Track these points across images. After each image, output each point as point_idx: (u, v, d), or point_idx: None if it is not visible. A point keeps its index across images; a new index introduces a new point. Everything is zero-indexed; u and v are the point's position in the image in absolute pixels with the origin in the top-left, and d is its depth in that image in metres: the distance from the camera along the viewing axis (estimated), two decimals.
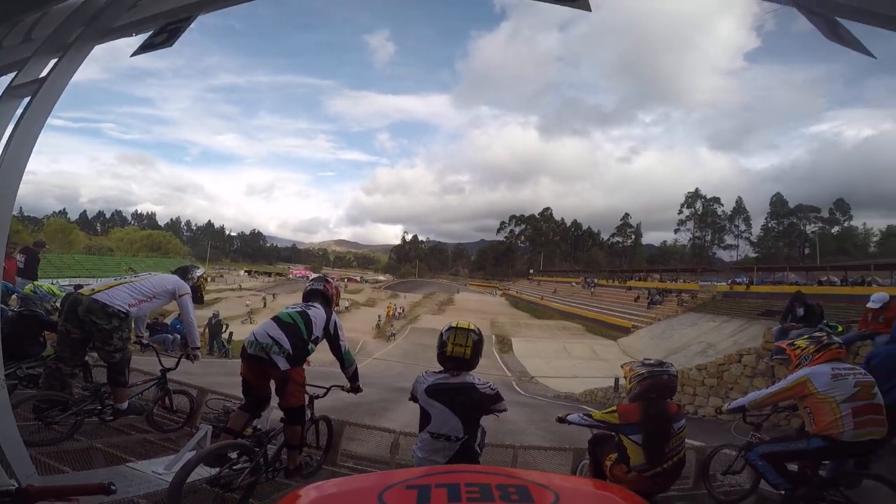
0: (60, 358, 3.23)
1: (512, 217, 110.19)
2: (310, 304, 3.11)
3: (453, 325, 2.58)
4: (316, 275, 4.29)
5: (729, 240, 79.39)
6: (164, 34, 2.14)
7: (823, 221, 69.62)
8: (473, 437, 2.45)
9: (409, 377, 2.75)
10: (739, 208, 78.95)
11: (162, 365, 3.98)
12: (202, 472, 2.44)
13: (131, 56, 2.20)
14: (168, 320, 10.64)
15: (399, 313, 41.41)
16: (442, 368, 2.53)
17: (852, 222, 68.53)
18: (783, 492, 2.88)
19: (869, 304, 5.94)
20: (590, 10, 1.93)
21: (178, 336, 9.13)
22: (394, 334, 32.30)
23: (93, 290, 3.29)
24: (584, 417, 2.91)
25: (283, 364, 2.70)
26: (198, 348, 3.88)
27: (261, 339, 2.74)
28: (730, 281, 36.53)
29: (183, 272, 3.88)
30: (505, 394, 2.93)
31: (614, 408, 2.79)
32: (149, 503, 2.27)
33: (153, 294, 3.50)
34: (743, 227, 78.38)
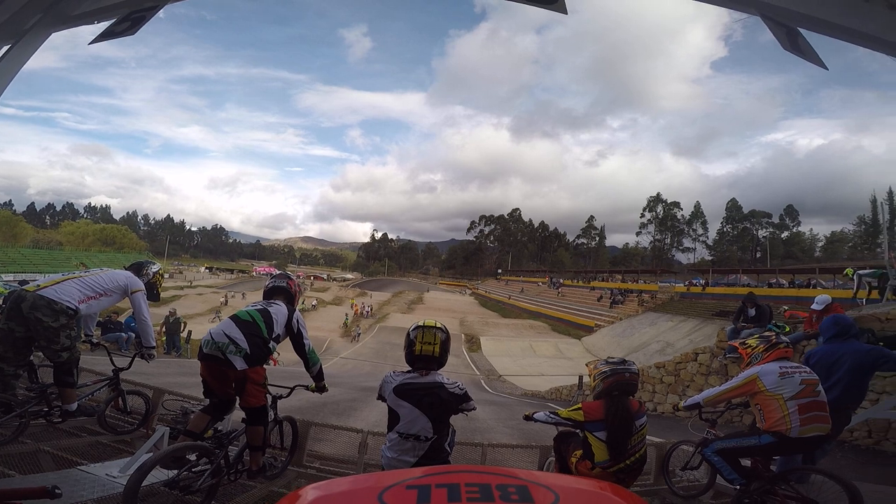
0: (3, 358, 3.00)
1: (482, 217, 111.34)
2: (271, 301, 3.04)
3: (421, 323, 2.56)
4: (278, 272, 4.17)
5: (687, 243, 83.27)
6: (127, 22, 2.06)
7: (774, 227, 74.14)
8: (443, 436, 2.44)
9: (377, 376, 2.72)
10: (697, 213, 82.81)
11: (114, 365, 3.78)
12: (159, 474, 2.33)
13: (90, 44, 2.10)
14: (122, 318, 10.10)
15: (367, 312, 40.99)
16: (410, 368, 2.52)
17: (800, 228, 73.60)
18: (738, 487, 2.99)
19: (813, 306, 6.33)
20: (566, 13, 1.98)
21: (133, 335, 8.71)
22: (359, 334, 31.39)
23: (38, 285, 3.08)
24: (551, 415, 2.97)
25: (240, 364, 2.61)
26: (153, 347, 3.69)
27: (217, 338, 2.64)
28: (687, 282, 38.21)
29: (137, 268, 3.69)
30: (474, 392, 2.96)
31: (580, 405, 2.85)
32: None
33: (104, 290, 3.30)
34: (700, 231, 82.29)
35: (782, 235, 73.10)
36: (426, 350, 2.47)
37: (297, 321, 3.00)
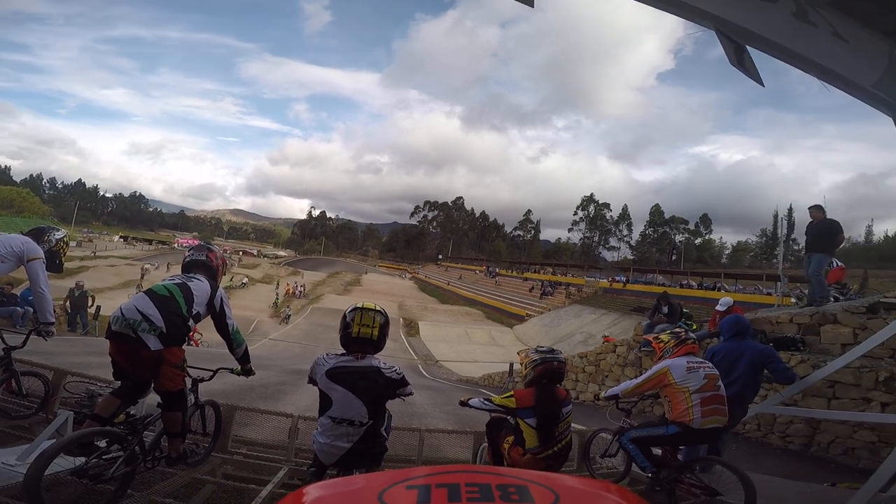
0: None
1: (426, 202, 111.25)
2: (191, 276, 2.80)
3: (358, 305, 2.50)
4: (197, 243, 3.78)
5: (613, 242, 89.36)
6: None
7: (690, 232, 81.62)
8: (379, 421, 2.44)
9: (308, 359, 2.65)
10: (625, 215, 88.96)
11: (5, 342, 3.34)
12: (64, 462, 2.12)
13: None
14: (18, 291, 8.89)
15: (300, 292, 39.55)
16: (344, 351, 2.46)
17: (712, 235, 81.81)
18: (649, 475, 3.18)
19: (717, 307, 7.07)
20: (532, 6, 2.02)
21: (30, 309, 7.71)
22: (288, 316, 30.07)
23: None
24: (485, 402, 3.06)
25: (153, 343, 2.40)
26: (51, 323, 3.28)
27: (128, 314, 2.40)
28: (610, 279, 41.01)
29: (37, 234, 3.26)
30: (411, 377, 2.98)
31: (512, 393, 2.97)
32: (3, 498, 1.93)
33: None
34: (626, 232, 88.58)
35: (696, 241, 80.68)
36: (364, 332, 2.42)
37: (221, 299, 2.79)
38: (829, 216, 6.85)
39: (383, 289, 50.62)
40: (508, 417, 3.00)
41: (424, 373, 19.18)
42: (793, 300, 12.27)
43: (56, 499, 2.08)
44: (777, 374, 3.92)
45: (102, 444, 2.32)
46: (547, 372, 2.93)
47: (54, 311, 3.66)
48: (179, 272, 2.93)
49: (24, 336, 3.39)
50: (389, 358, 2.58)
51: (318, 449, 2.37)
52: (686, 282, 35.79)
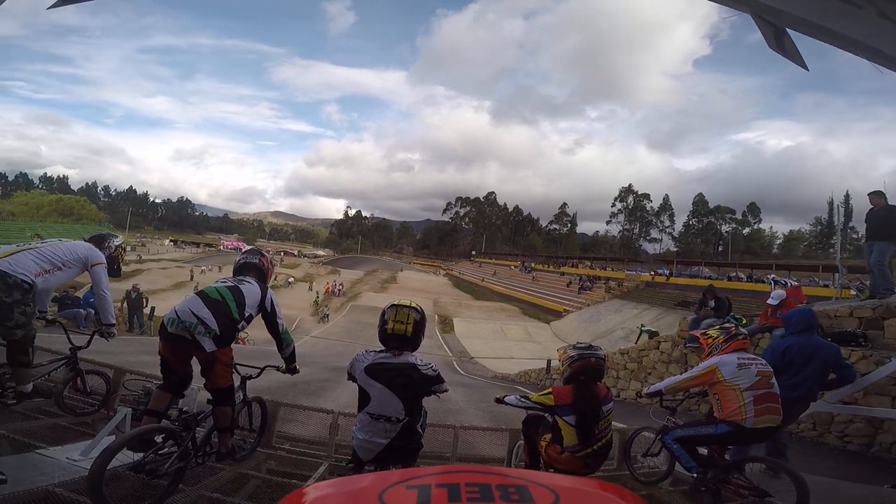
0: None
1: (458, 198, 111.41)
2: (242, 278, 2.91)
3: (395, 302, 2.55)
4: (249, 247, 3.94)
5: (654, 233, 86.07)
6: None
7: (737, 222, 77.39)
8: (415, 418, 2.45)
9: (348, 356, 2.70)
10: (666, 205, 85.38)
11: (72, 343, 3.58)
12: (123, 457, 2.26)
13: (48, 8, 1.91)
14: (81, 294, 9.59)
15: (339, 290, 40.58)
16: (383, 347, 2.50)
17: (761, 225, 77.28)
18: (694, 475, 3.06)
19: (769, 301, 6.65)
20: None
21: (92, 311, 8.30)
22: (327, 315, 30.26)
23: None
24: (521, 399, 3.01)
25: (209, 345, 2.51)
26: (112, 325, 3.48)
27: (184, 316, 2.51)
28: (652, 272, 39.56)
29: (98, 240, 3.46)
30: (446, 374, 2.98)
31: (550, 390, 2.91)
32: (66, 492, 2.07)
33: (62, 263, 3.07)
34: (667, 223, 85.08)
35: (744, 231, 76.44)
36: (398, 329, 2.45)
37: (271, 300, 2.89)
38: (891, 202, 6.32)
39: (418, 286, 51.13)
40: (546, 415, 2.95)
41: (459, 369, 19.21)
42: (853, 292, 11.40)
43: (114, 493, 2.19)
44: (841, 371, 3.69)
45: (159, 439, 2.44)
46: (585, 369, 2.85)
47: (115, 313, 3.90)
48: (231, 274, 3.06)
49: (89, 336, 3.62)
50: (424, 354, 2.58)
51: (357, 445, 2.40)
52: (734, 274, 34.00)
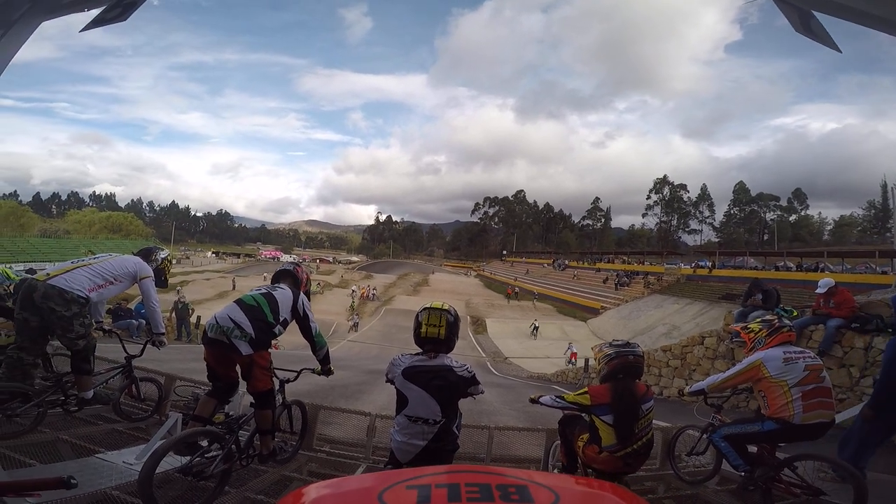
0: (21, 348, 3.04)
1: (486, 199, 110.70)
2: (277, 285, 3.04)
3: (428, 305, 2.57)
4: (287, 258, 4.09)
5: (693, 225, 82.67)
6: (118, 9, 2.02)
7: (782, 210, 73.22)
8: (451, 420, 2.46)
9: (384, 359, 2.74)
10: (704, 195, 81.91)
11: (126, 352, 3.83)
12: (173, 461, 2.38)
13: (81, 31, 2.07)
14: (132, 305, 10.21)
15: (373, 295, 41.23)
16: (420, 350, 2.52)
17: (809, 211, 72.92)
18: (743, 473, 2.95)
19: (817, 290, 6.25)
20: None
21: (143, 322, 8.81)
22: (356, 324, 28.70)
23: (48, 274, 3.07)
24: (557, 399, 2.94)
25: (245, 349, 2.63)
26: (163, 334, 3.72)
27: (222, 322, 2.65)
28: (693, 264, 38.05)
29: (146, 254, 3.69)
30: (480, 375, 2.96)
31: (586, 389, 2.83)
32: (122, 494, 2.20)
33: (114, 278, 3.30)
34: (707, 213, 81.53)
35: (790, 219, 72.32)
36: (431, 332, 2.48)
37: (303, 305, 3.01)
38: None
39: (449, 287, 51.21)
40: (583, 415, 2.88)
41: (493, 370, 19.09)
42: None
43: (165, 496, 2.30)
44: None
45: (205, 443, 2.55)
46: (623, 367, 2.77)
47: (164, 322, 4.13)
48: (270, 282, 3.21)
49: (142, 346, 3.86)
50: (458, 356, 2.59)
51: (395, 447, 2.44)
52: (783, 263, 32.19)
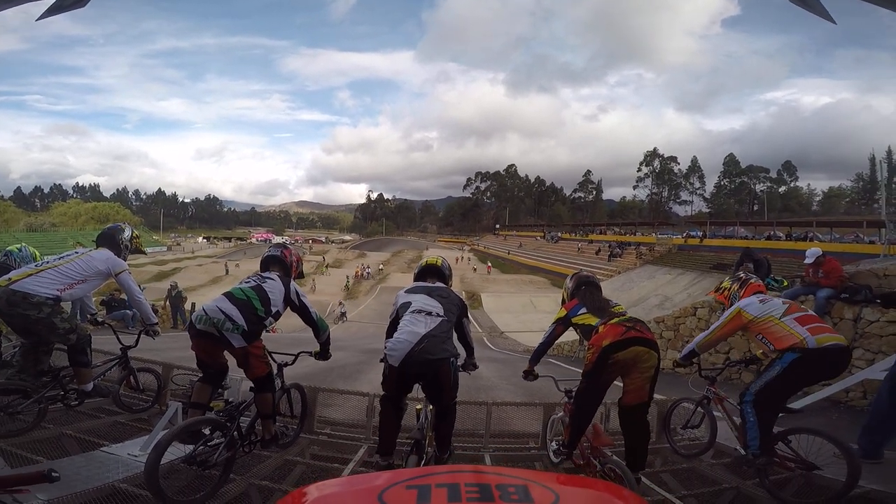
0: (27, 343, 3.08)
1: (478, 174, 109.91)
2: (266, 275, 2.96)
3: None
4: (279, 239, 4.00)
5: (684, 196, 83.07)
6: None
7: (772, 181, 73.94)
8: (451, 324, 2.67)
9: (381, 338, 2.79)
10: (694, 167, 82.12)
11: (121, 343, 3.79)
12: (177, 450, 2.39)
13: (38, 19, 1.91)
14: (125, 295, 10.10)
15: (367, 273, 41.26)
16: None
17: (798, 183, 73.97)
18: (751, 455, 2.74)
19: (805, 261, 6.28)
20: None
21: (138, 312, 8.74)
22: (343, 314, 26.01)
23: (9, 279, 2.90)
24: (540, 345, 3.22)
25: (238, 342, 2.60)
26: (155, 323, 3.65)
27: (211, 313, 2.59)
28: (685, 234, 38.30)
29: (111, 241, 3.41)
30: (476, 349, 3.09)
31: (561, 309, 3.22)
32: (130, 486, 2.22)
33: (83, 277, 3.14)
34: (698, 185, 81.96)
35: (780, 190, 73.23)
36: (431, 261, 3.15)
37: (296, 293, 2.96)
38: None
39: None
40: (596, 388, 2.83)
41: (490, 345, 19.32)
42: None
43: (172, 486, 2.32)
44: None
45: (207, 431, 2.56)
46: (581, 280, 3.31)
47: (157, 311, 4.09)
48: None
49: (136, 336, 3.81)
50: None
51: (391, 346, 2.48)
52: (773, 233, 32.53)
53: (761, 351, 3.10)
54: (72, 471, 2.28)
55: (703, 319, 8.85)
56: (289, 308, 2.97)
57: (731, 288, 3.28)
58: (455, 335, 2.77)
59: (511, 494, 0.78)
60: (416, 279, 3.08)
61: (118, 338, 3.82)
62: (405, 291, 2.85)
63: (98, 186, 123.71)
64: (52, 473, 1.14)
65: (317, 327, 3.07)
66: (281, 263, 3.10)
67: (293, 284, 3.00)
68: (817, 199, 73.55)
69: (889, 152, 49.89)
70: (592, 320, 2.91)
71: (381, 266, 45.98)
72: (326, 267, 42.75)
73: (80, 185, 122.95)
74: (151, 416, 3.67)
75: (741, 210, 74.04)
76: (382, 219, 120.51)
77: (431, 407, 2.82)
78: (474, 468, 0.95)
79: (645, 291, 26.96)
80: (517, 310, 29.24)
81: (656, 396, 3.12)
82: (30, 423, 2.87)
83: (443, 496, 0.77)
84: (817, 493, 2.65)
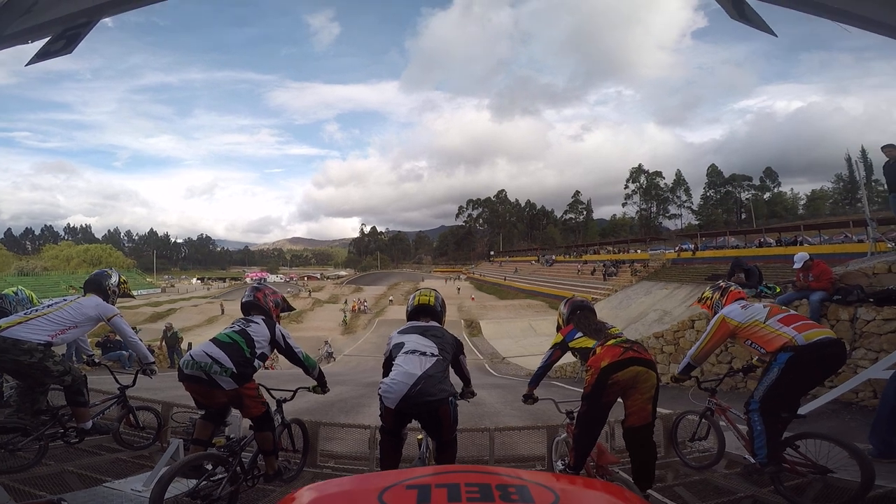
0: (24, 385, 3.08)
1: (469, 201, 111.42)
2: (251, 319, 3.01)
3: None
4: (273, 278, 4.02)
5: (673, 210, 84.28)
6: (61, 41, 1.98)
7: (755, 188, 75.34)
8: (447, 361, 2.63)
9: (380, 371, 2.78)
10: (679, 180, 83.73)
11: (119, 382, 3.79)
12: (181, 486, 2.37)
13: (26, 65, 2.05)
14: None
15: (364, 307, 40.92)
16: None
17: (781, 188, 75.37)
18: (760, 464, 2.72)
19: (794, 266, 6.32)
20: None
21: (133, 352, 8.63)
22: (331, 353, 24.12)
23: None
24: (538, 369, 3.20)
25: (227, 384, 2.61)
26: (153, 363, 3.65)
27: (198, 358, 2.62)
28: (677, 248, 38.59)
29: (98, 288, 3.46)
30: (478, 377, 3.05)
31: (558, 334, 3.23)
32: None
33: (74, 323, 3.18)
34: (685, 198, 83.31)
35: (765, 196, 74.63)
36: (423, 300, 3.01)
37: (281, 335, 2.98)
38: None
39: (441, 293, 50.97)
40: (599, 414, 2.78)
41: (491, 371, 19.05)
42: (889, 245, 10.67)
43: None
44: None
45: (209, 466, 2.55)
46: (576, 306, 3.32)
47: (153, 351, 4.09)
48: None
49: (133, 376, 3.81)
50: None
51: (385, 389, 2.42)
52: (763, 240, 32.95)
53: (756, 357, 3.10)
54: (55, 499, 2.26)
55: (702, 331, 8.80)
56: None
57: (712, 297, 3.35)
58: (452, 371, 2.78)
59: (511, 494, 0.79)
60: (408, 318, 2.99)
61: (115, 377, 3.83)
62: (398, 332, 2.79)
63: (89, 227, 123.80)
64: (62, 502, 1.15)
65: (304, 366, 3.11)
66: (258, 307, 3.10)
67: (278, 327, 3.03)
68: (802, 202, 74.84)
69: (863, 151, 51.47)
70: (589, 343, 2.91)
71: (385, 297, 45.49)
72: (313, 306, 41.95)
73: (72, 225, 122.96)
74: (153, 452, 3.64)
75: (730, 219, 75.04)
76: (377, 252, 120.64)
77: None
78: (474, 468, 0.94)
79: (643, 307, 26.94)
80: (517, 335, 28.99)
81: (660, 411, 3.10)
82: (31, 460, 2.87)
83: (443, 496, 0.77)
84: (837, 496, 2.58)
